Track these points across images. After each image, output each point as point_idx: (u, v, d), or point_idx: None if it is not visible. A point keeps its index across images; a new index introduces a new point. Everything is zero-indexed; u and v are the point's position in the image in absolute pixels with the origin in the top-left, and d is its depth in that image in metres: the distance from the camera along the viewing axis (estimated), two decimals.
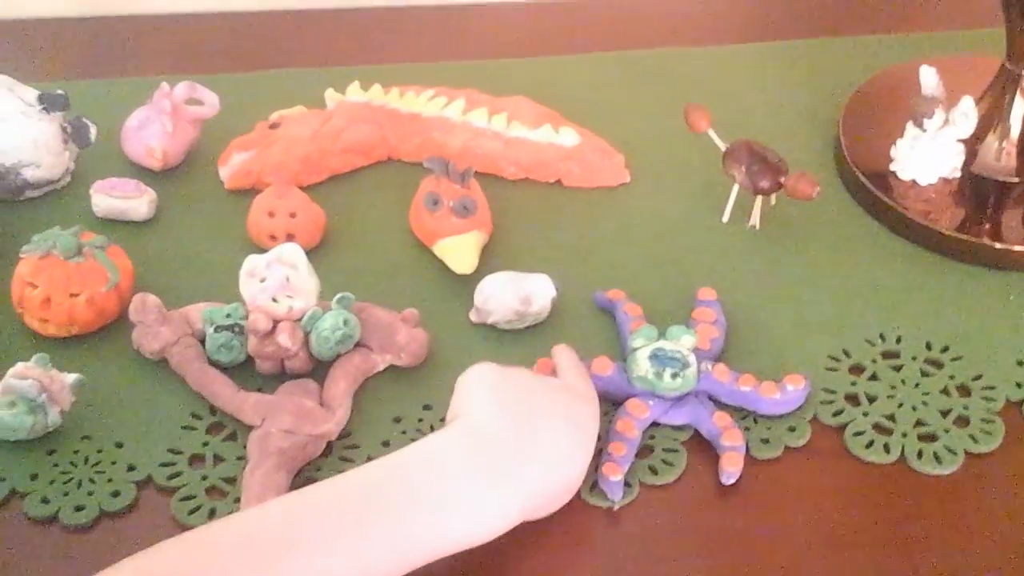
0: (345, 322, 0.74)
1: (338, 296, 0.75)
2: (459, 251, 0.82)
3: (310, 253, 0.78)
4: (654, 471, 0.71)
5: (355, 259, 0.84)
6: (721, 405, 0.74)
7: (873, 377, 0.76)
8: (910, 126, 0.86)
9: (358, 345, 0.76)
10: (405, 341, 0.75)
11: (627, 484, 0.70)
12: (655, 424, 0.73)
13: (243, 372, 0.75)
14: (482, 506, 0.62)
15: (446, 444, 0.64)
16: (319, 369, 0.75)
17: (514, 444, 0.64)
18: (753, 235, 0.86)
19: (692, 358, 0.73)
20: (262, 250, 0.76)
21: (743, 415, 0.74)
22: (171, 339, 0.75)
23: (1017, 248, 0.82)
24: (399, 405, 0.75)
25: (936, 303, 0.81)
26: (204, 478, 0.70)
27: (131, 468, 0.70)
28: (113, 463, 0.71)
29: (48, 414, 0.70)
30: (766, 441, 0.72)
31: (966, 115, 0.84)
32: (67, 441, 0.72)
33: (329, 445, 0.72)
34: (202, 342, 0.76)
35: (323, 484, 0.62)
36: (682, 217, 0.88)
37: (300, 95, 0.96)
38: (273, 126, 0.91)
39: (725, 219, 0.87)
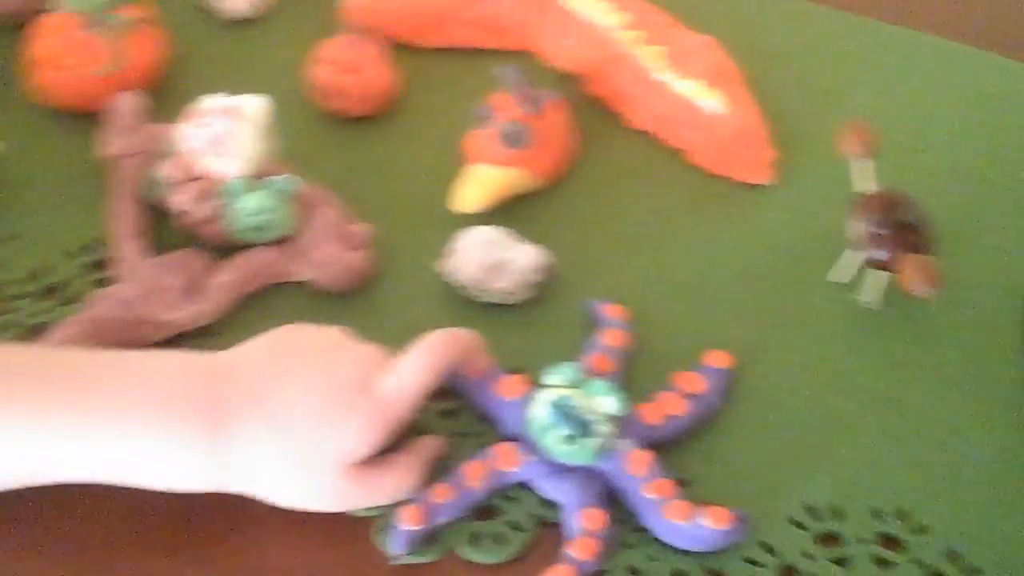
0: (271, 208, 0.66)
1: (282, 176, 0.67)
2: (475, 183, 0.70)
3: (347, 121, 0.73)
4: (476, 541, 0.58)
5: (385, 145, 0.75)
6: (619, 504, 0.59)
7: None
8: None
9: (286, 242, 0.68)
10: (327, 259, 0.66)
11: (435, 542, 0.58)
12: (524, 487, 0.60)
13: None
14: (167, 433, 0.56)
15: (173, 359, 0.59)
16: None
17: (239, 382, 0.57)
18: (860, 311, 0.67)
19: (606, 428, 0.58)
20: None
21: (636, 528, 0.58)
22: (127, 151, 0.70)
23: None
24: None
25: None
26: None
27: None
28: None
29: None
30: (635, 573, 0.57)
31: None
32: None
33: (184, 336, 0.65)
34: None
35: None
36: (794, 257, 0.70)
37: None
38: None
39: (831, 278, 0.68)
